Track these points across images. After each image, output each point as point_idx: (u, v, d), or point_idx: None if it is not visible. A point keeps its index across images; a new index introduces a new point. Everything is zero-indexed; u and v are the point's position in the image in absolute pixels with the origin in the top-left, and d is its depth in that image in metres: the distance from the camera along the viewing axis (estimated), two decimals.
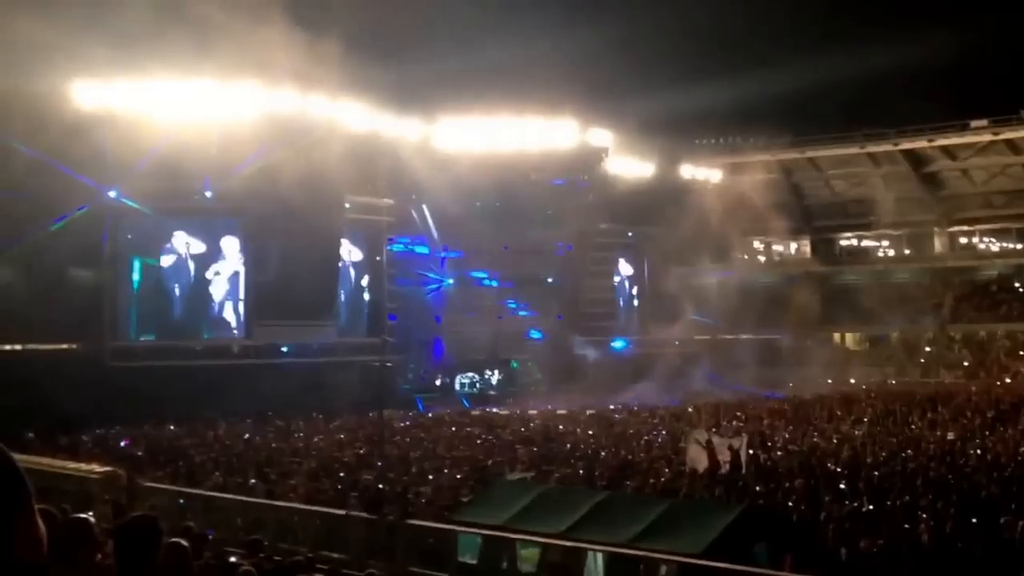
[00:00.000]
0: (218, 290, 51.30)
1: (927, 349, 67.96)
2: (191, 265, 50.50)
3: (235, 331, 51.59)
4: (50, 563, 2.69)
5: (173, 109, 46.86)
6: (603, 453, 29.52)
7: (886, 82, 66.68)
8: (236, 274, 51.33)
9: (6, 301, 43.15)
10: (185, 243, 50.27)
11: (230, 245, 51.16)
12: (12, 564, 2.49)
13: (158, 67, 46.00)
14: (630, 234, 67.84)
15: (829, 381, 59.09)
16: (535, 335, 63.72)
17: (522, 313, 63.48)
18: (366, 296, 56.93)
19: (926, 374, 62.53)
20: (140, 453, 31.20)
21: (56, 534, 2.65)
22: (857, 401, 45.81)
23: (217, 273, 51.03)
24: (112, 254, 48.35)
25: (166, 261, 50.20)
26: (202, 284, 50.83)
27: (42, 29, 38.11)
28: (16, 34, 37.86)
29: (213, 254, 51.04)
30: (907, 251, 75.60)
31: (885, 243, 77.13)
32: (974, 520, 18.30)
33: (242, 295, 51.38)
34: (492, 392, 58.43)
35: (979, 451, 28.69)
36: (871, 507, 19.96)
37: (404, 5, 55.90)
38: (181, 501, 22.78)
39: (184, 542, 7.79)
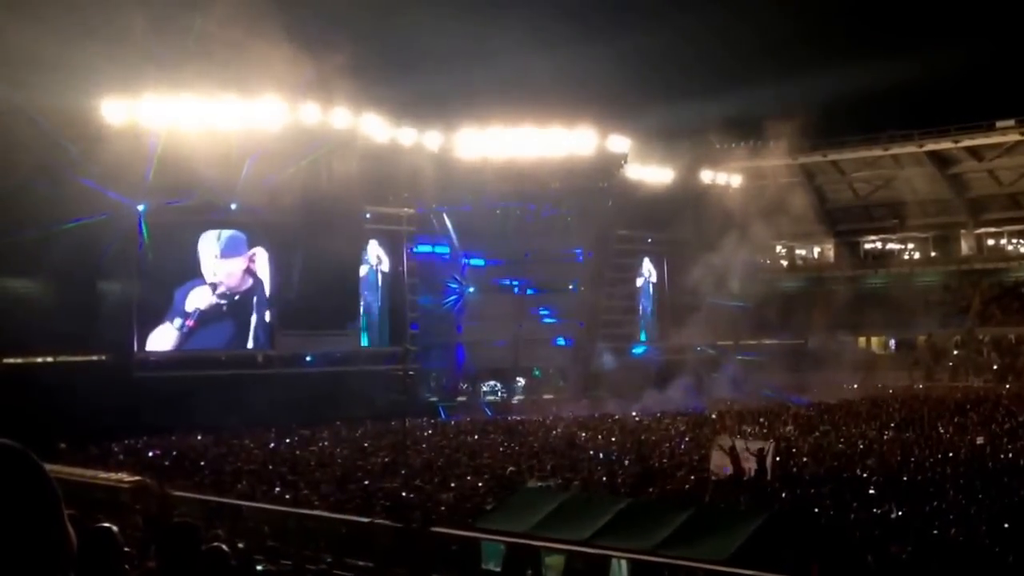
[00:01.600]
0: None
1: (955, 353, 67.32)
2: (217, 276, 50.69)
3: (255, 341, 51.58)
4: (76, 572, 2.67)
5: (199, 124, 47.21)
6: (626, 460, 29.46)
7: (911, 84, 66.24)
8: (260, 284, 51.46)
9: (37, 314, 43.51)
10: (212, 254, 50.49)
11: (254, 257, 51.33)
12: (42, 572, 2.48)
13: (184, 83, 46.39)
14: (650, 240, 67.64)
15: (855, 386, 58.77)
16: (557, 342, 63.63)
17: (546, 320, 63.41)
18: (388, 305, 56.97)
19: (954, 378, 61.94)
20: (168, 463, 31.40)
21: (82, 544, 2.71)
22: (884, 406, 45.53)
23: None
24: (140, 267, 48.57)
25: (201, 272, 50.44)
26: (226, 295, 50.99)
27: (71, 46, 38.49)
28: (47, 51, 38.25)
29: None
30: (933, 253, 75.00)
31: (910, 246, 76.55)
32: (1006, 525, 18.14)
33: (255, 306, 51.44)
34: (514, 400, 58.41)
35: (1010, 455, 28.46)
36: (900, 513, 19.83)
37: (424, 18, 56.15)
38: (208, 510, 22.85)
39: (224, 547, 7.88)
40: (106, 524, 5.74)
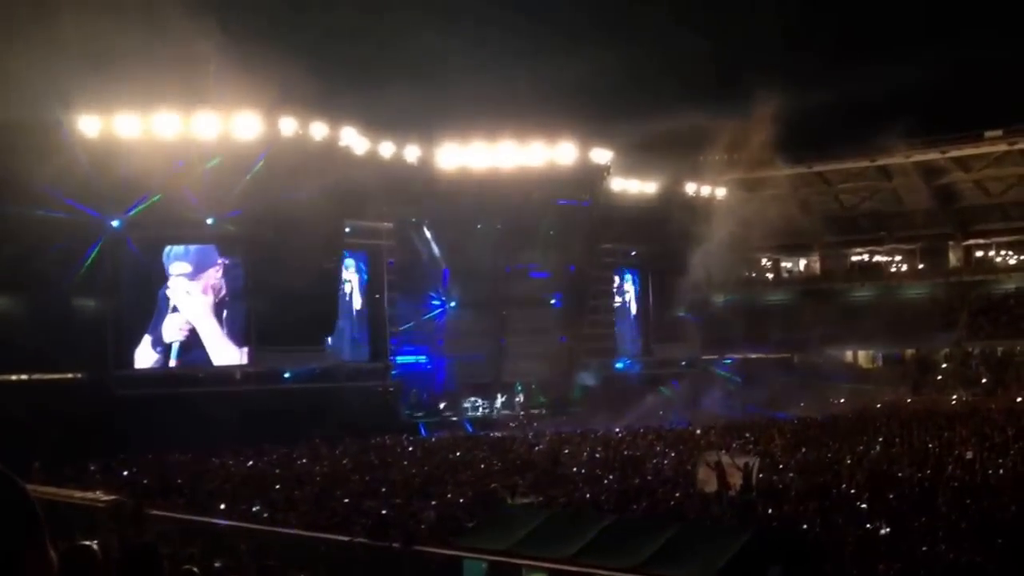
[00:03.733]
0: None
1: (943, 366, 67.15)
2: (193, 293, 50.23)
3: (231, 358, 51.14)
4: None
5: (173, 139, 46.95)
6: (610, 476, 29.10)
7: (898, 94, 66.20)
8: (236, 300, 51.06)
9: (12, 331, 43.08)
10: (188, 277, 50.08)
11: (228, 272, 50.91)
12: None
13: (158, 98, 46.12)
14: (634, 253, 67.40)
15: (842, 400, 58.55)
16: (539, 357, 63.23)
17: (527, 335, 63.04)
18: (368, 321, 56.56)
19: (943, 392, 61.67)
20: (146, 481, 30.96)
21: (61, 562, 2.62)
22: (872, 420, 45.25)
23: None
24: (115, 283, 48.09)
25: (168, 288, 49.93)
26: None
27: (43, 62, 38.15)
28: (17, 67, 37.89)
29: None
30: (921, 266, 74.97)
31: (898, 258, 76.54)
32: (998, 540, 17.82)
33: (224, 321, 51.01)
34: (496, 416, 57.97)
35: (999, 470, 28.17)
36: (888, 529, 19.51)
37: (403, 29, 55.98)
38: (186, 529, 22.48)
39: (196, 569, 7.58)
40: (86, 542, 5.60)
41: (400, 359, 57.02)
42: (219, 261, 50.69)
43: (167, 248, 49.52)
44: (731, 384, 61.12)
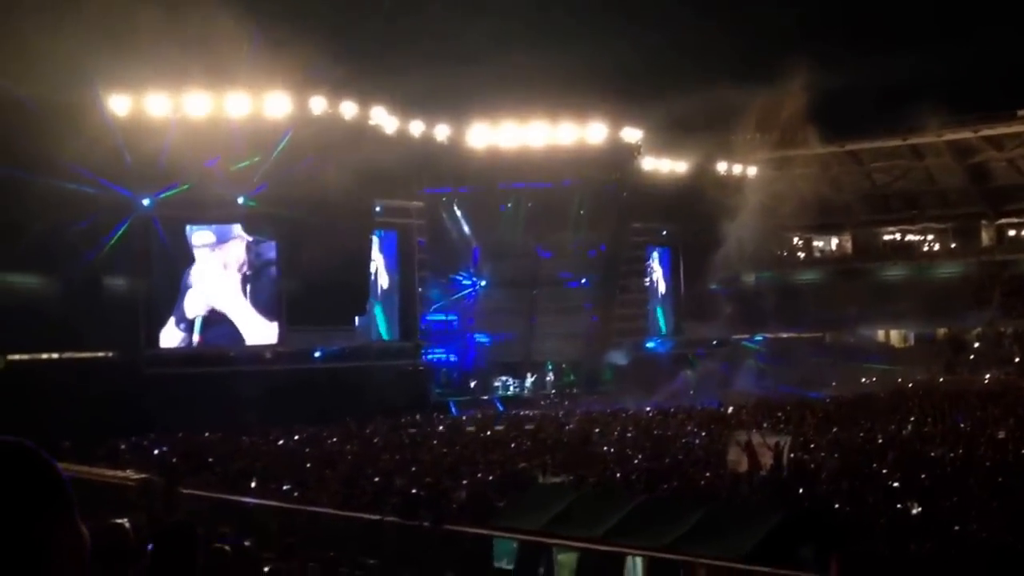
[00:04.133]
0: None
1: (975, 345, 66.64)
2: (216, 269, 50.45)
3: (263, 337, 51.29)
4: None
5: (205, 118, 47.06)
6: (640, 456, 29.00)
7: (930, 73, 65.44)
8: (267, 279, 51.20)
9: (43, 310, 43.38)
10: (211, 248, 50.26)
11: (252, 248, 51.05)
12: (52, 572, 2.46)
13: (189, 77, 46.22)
14: (665, 232, 67.15)
15: (874, 380, 58.19)
16: (570, 336, 63.16)
17: (563, 315, 62.98)
18: (398, 300, 56.64)
19: (975, 371, 61.16)
20: (176, 460, 31.09)
21: (93, 540, 2.62)
22: (904, 400, 44.95)
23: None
24: (146, 262, 48.37)
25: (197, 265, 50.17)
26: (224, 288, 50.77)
27: (74, 40, 38.25)
28: (49, 45, 38.02)
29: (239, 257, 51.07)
30: (953, 245, 74.32)
31: (930, 237, 75.88)
32: None
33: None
34: (526, 395, 57.99)
35: None
36: (920, 508, 19.36)
37: (434, 10, 55.79)
38: (216, 507, 22.56)
39: (227, 547, 7.58)
40: (118, 520, 5.68)
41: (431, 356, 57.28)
42: (244, 236, 50.87)
43: (200, 227, 49.78)
44: (760, 363, 60.80)
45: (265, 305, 50.80)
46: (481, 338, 60.50)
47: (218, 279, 50.24)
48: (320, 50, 46.06)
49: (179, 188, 46.70)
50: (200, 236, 50.15)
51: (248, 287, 50.80)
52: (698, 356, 62.59)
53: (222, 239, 50.47)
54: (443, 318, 59.27)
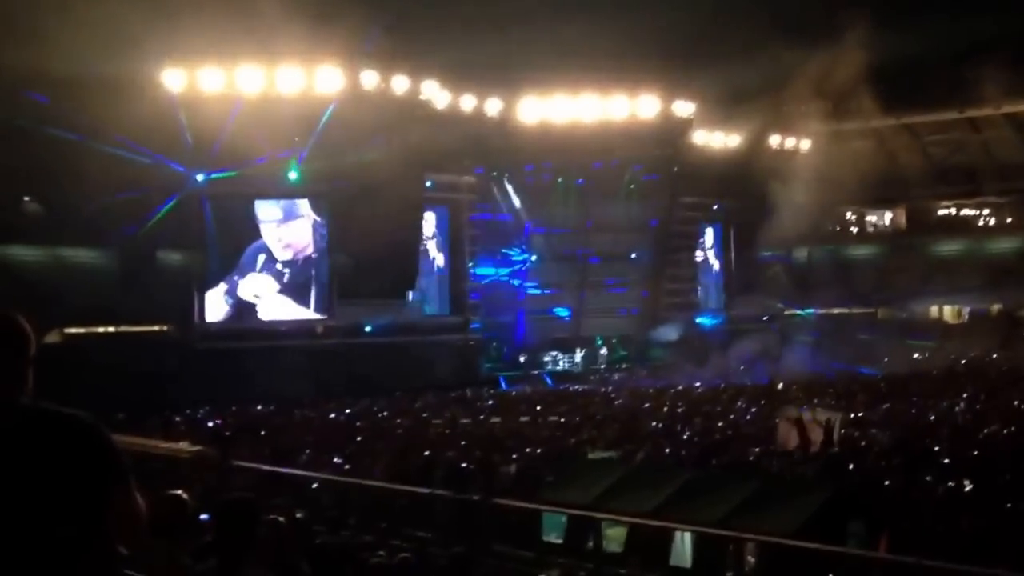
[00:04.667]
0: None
1: None
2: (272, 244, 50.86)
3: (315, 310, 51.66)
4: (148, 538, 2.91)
5: (256, 92, 47.32)
6: (689, 431, 28.96)
7: (987, 44, 64.02)
8: (321, 253, 51.52)
9: (99, 285, 44.01)
10: (277, 224, 50.65)
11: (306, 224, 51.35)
12: (111, 537, 2.68)
13: (240, 51, 46.42)
14: (716, 207, 66.76)
15: (927, 356, 57.58)
16: (620, 312, 63.14)
17: (609, 290, 62.93)
18: (449, 274, 56.84)
19: None
20: (229, 433, 31.45)
21: (152, 510, 2.74)
22: (957, 377, 44.46)
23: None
24: (200, 237, 48.86)
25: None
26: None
27: (127, 14, 38.50)
28: (101, 19, 38.28)
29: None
30: (1009, 220, 73.15)
31: (986, 211, 74.78)
32: None
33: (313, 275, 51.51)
34: (576, 370, 58.06)
35: None
36: (972, 486, 19.18)
37: None
38: (269, 480, 22.80)
39: (282, 519, 7.68)
40: (175, 491, 5.83)
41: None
42: (312, 215, 51.16)
43: (252, 202, 50.13)
44: (811, 339, 60.38)
45: (320, 282, 51.12)
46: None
47: (283, 254, 50.56)
48: (371, 21, 46.06)
49: (233, 172, 46.99)
50: (266, 211, 50.45)
51: (312, 269, 51.03)
52: (749, 332, 62.22)
53: (289, 216, 50.82)
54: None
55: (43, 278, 43.43)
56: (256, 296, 50.08)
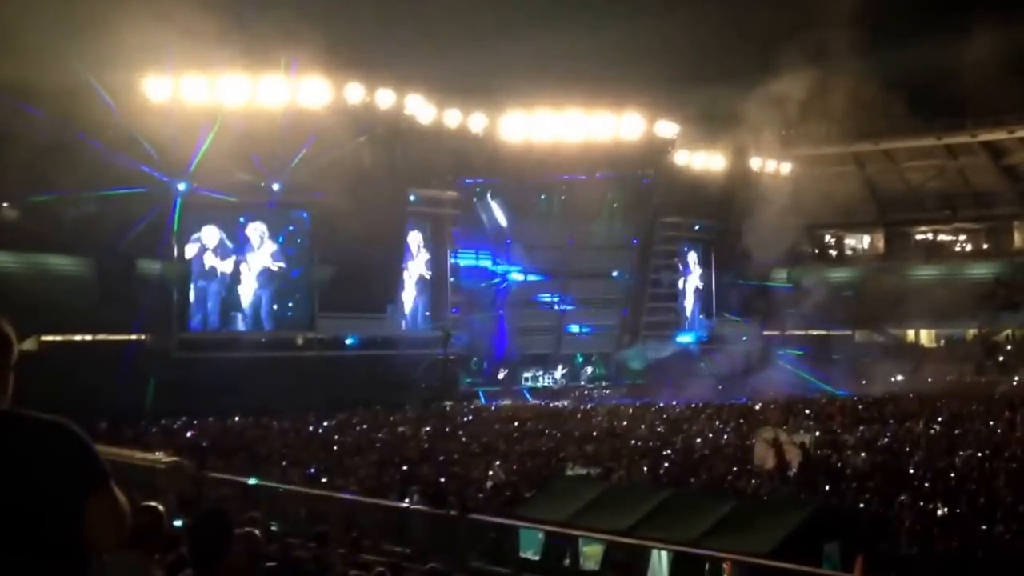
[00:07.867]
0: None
1: (1007, 347, 66.08)
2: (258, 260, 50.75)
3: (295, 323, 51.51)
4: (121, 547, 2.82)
5: (240, 103, 47.27)
6: (668, 450, 29.03)
7: (964, 72, 64.58)
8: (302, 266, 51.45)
9: (77, 293, 43.73)
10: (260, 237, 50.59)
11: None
12: (85, 543, 2.61)
13: (226, 63, 46.38)
14: (697, 227, 67.06)
15: (902, 379, 57.87)
16: (600, 330, 63.23)
17: (589, 307, 62.93)
18: (430, 289, 56.80)
19: (1005, 373, 60.67)
20: (205, 444, 31.33)
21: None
22: (932, 400, 44.69)
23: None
24: (179, 247, 48.68)
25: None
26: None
27: (110, 23, 38.43)
28: (85, 28, 38.23)
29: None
30: (985, 245, 73.75)
31: (963, 237, 75.35)
32: None
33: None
34: (555, 387, 58.09)
35: None
36: (946, 509, 19.31)
37: None
38: (245, 492, 22.72)
39: (257, 532, 7.68)
40: (151, 503, 5.81)
41: None
42: (285, 226, 51.12)
43: (234, 213, 50.01)
44: (788, 360, 60.61)
45: (299, 294, 51.04)
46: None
47: (257, 265, 50.50)
48: (357, 36, 46.18)
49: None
50: (252, 228, 50.40)
51: (280, 280, 50.99)
52: (727, 352, 62.41)
53: (266, 230, 50.78)
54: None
55: (20, 285, 43.13)
56: (236, 307, 49.97)
